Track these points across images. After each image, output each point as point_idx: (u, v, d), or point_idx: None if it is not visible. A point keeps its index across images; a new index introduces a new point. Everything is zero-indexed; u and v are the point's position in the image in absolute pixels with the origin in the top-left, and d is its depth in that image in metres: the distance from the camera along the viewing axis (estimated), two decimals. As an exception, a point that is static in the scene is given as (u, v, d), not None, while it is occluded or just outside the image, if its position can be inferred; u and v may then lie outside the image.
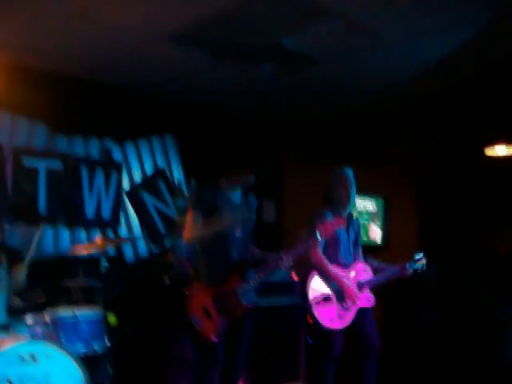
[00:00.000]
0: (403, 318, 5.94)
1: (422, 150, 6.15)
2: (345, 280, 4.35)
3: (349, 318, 4.34)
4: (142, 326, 4.69)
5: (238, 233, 3.77)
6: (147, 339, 4.91)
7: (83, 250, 4.59)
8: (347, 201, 4.50)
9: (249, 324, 3.79)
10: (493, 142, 5.45)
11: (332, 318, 4.29)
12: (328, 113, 6.71)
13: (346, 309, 4.34)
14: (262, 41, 4.79)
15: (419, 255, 4.67)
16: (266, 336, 4.88)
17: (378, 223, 6.69)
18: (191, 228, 3.70)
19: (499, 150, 5.48)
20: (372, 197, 6.70)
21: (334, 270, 4.34)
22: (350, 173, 4.55)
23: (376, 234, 6.69)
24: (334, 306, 4.32)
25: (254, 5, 4.13)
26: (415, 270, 4.63)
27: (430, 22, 4.41)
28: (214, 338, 3.54)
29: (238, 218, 3.75)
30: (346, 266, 4.47)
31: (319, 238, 3.84)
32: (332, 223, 3.89)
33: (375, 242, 6.62)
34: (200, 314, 3.57)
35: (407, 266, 4.58)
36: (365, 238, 6.33)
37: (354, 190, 4.52)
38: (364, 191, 6.61)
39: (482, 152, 5.53)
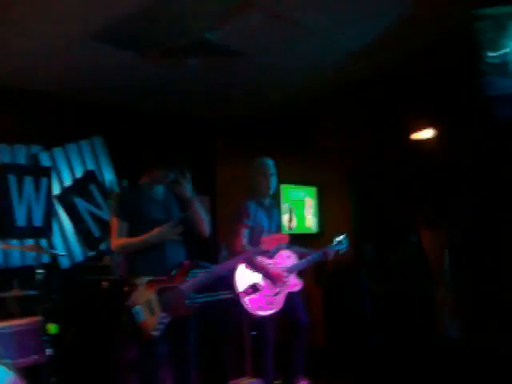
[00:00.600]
0: (342, 305, 6.08)
1: (351, 138, 6.29)
2: (270, 265, 4.44)
3: (279, 302, 4.42)
4: (83, 331, 4.61)
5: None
6: (90, 345, 4.84)
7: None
8: (267, 190, 4.64)
9: (194, 326, 3.73)
10: (417, 127, 5.64)
11: (261, 306, 4.36)
12: (257, 105, 6.75)
13: (276, 294, 4.42)
14: (186, 36, 4.78)
15: (339, 237, 4.81)
16: (210, 333, 4.89)
17: (312, 212, 6.82)
18: (117, 236, 3.64)
19: (423, 134, 5.67)
20: (305, 186, 6.82)
21: (259, 257, 4.41)
22: (269, 162, 4.67)
23: (311, 222, 6.83)
24: (262, 293, 4.39)
25: (178, 1, 4.13)
26: (337, 252, 4.76)
27: (352, 11, 4.51)
28: (154, 333, 3.47)
29: (165, 217, 3.70)
30: (270, 253, 4.56)
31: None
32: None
33: (311, 230, 6.75)
34: (143, 307, 3.51)
35: (328, 249, 4.72)
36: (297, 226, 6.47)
37: (273, 179, 4.64)
38: (297, 181, 6.74)
39: (408, 136, 5.71)
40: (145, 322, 3.51)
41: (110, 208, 3.97)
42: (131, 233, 3.63)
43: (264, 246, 3.98)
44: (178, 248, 3.76)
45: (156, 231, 3.59)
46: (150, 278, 3.56)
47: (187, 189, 3.74)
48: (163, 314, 3.51)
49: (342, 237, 4.81)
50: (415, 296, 5.49)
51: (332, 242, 4.78)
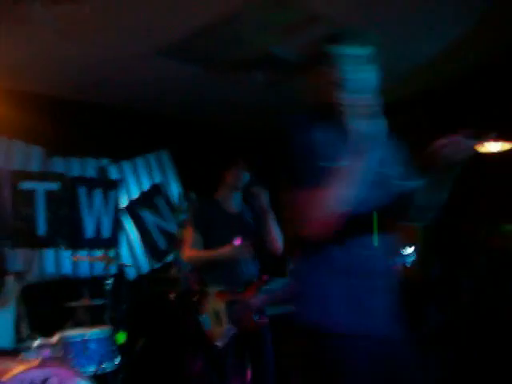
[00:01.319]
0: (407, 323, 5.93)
1: (414, 149, 6.17)
2: None
3: None
4: (152, 342, 4.66)
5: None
6: (158, 355, 4.90)
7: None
8: None
9: (267, 342, 3.66)
10: (484, 139, 5.47)
11: None
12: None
13: None
14: (252, 50, 4.82)
15: (407, 249, 4.68)
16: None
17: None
18: (191, 247, 3.66)
19: (492, 147, 5.51)
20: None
21: None
22: None
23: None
24: None
25: (244, 16, 4.17)
26: (403, 264, 4.65)
27: (417, 25, 4.47)
28: (219, 344, 3.46)
29: (239, 232, 3.64)
30: None
31: None
32: None
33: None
34: (210, 316, 3.52)
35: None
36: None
37: None
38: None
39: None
40: (211, 331, 3.50)
41: (185, 219, 3.99)
42: (205, 245, 3.65)
43: None
44: (251, 263, 3.74)
45: (228, 249, 3.57)
46: (221, 288, 3.57)
47: (264, 200, 3.68)
48: (229, 326, 3.50)
49: (410, 249, 4.68)
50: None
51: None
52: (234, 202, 3.79)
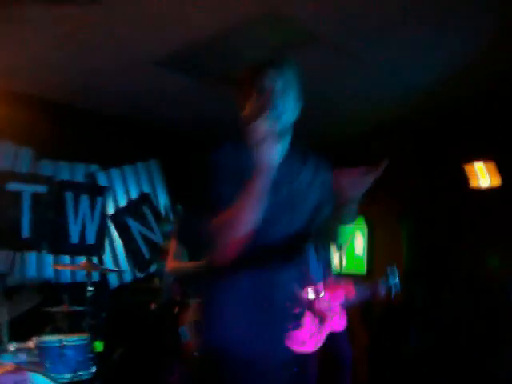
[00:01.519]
0: (389, 345, 5.93)
1: (405, 176, 6.19)
2: (315, 301, 4.36)
3: (321, 339, 4.33)
4: (129, 352, 4.62)
5: None
6: (135, 366, 4.85)
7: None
8: None
9: None
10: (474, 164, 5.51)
11: (303, 341, 4.27)
12: (309, 137, 6.73)
13: (319, 330, 4.33)
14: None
15: (392, 276, 4.68)
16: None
17: (362, 251, 6.73)
18: (174, 258, 3.67)
19: (481, 179, 5.53)
20: (356, 223, 6.73)
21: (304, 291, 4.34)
22: None
23: (359, 261, 6.73)
24: (305, 328, 4.31)
25: (242, 32, 4.19)
26: (389, 289, 4.64)
27: (414, 48, 4.51)
28: (196, 354, 3.46)
29: None
30: (315, 284, 4.49)
31: None
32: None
33: (359, 270, 6.64)
34: (190, 328, 3.52)
35: (379, 286, 4.60)
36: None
37: None
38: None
39: (465, 177, 5.58)
40: (189, 342, 3.49)
41: (171, 230, 4.00)
42: (190, 258, 3.65)
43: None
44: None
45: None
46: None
47: None
48: None
49: (395, 275, 4.69)
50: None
51: (382, 280, 4.67)
52: None
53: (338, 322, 4.47)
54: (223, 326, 1.93)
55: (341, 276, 4.82)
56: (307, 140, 6.38)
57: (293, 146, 2.17)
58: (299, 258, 2.08)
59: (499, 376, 5.03)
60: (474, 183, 5.51)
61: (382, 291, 4.60)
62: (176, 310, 3.61)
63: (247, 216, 1.79)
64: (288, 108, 2.03)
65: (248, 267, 1.92)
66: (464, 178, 5.55)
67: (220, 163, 1.99)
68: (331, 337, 4.39)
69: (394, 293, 4.64)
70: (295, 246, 2.04)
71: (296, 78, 2.10)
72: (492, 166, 5.39)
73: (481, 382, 5.10)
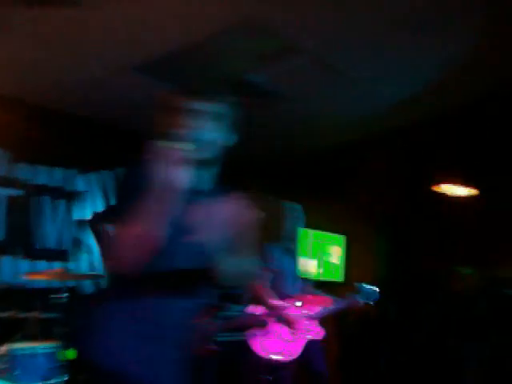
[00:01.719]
0: (360, 359, 5.96)
1: (384, 190, 6.23)
2: (282, 305, 4.35)
3: (296, 349, 4.33)
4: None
5: None
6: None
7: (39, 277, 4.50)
8: (293, 235, 4.58)
9: (211, 366, 3.68)
10: (449, 180, 5.57)
11: (276, 350, 4.27)
12: (289, 149, 6.77)
13: (292, 340, 4.33)
14: (227, 76, 4.83)
15: (370, 288, 4.69)
16: (228, 374, 4.82)
17: (339, 260, 6.77)
18: None
19: (455, 194, 5.59)
20: (334, 234, 6.77)
21: (274, 300, 4.34)
22: (296, 207, 4.62)
23: (336, 270, 6.76)
24: (277, 337, 4.30)
25: (221, 41, 4.20)
26: (366, 301, 4.65)
27: (395, 64, 4.55)
28: None
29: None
30: (291, 297, 4.49)
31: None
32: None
33: (335, 278, 6.67)
34: None
35: (357, 298, 4.61)
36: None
37: (299, 224, 4.60)
38: (326, 228, 6.68)
39: (439, 192, 5.64)
40: None
41: None
42: None
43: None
44: (206, 289, 3.73)
45: None
46: None
47: None
48: None
49: (373, 287, 4.69)
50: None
51: (359, 291, 4.68)
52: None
53: (314, 333, 4.47)
54: (109, 342, 1.94)
55: (318, 284, 4.83)
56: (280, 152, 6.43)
57: (218, 183, 2.17)
58: (194, 291, 2.08)
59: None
60: (447, 197, 5.59)
61: (360, 304, 4.61)
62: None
63: (149, 232, 1.80)
64: (213, 139, 2.02)
65: (140, 290, 1.94)
66: (439, 194, 5.62)
67: (131, 179, 2.01)
68: (307, 347, 4.39)
69: (372, 301, 4.65)
70: (191, 280, 2.05)
71: (231, 112, 2.11)
72: (467, 185, 5.47)
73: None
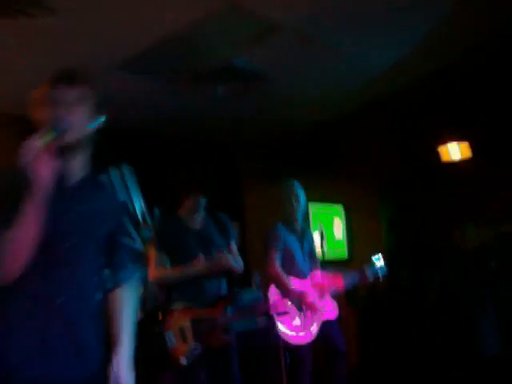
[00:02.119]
0: (378, 327, 5.95)
1: (379, 154, 6.21)
2: (303, 291, 4.34)
3: (313, 330, 4.33)
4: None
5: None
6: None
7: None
8: (295, 213, 4.55)
9: (233, 360, 3.66)
10: (446, 142, 5.55)
11: (295, 333, 4.26)
12: (283, 126, 6.73)
13: (309, 321, 4.32)
14: (213, 62, 4.78)
15: (376, 258, 4.69)
16: (249, 361, 4.81)
17: (341, 233, 6.72)
18: (156, 267, 3.67)
19: (453, 154, 5.57)
20: (332, 204, 6.70)
21: (292, 282, 4.33)
22: (294, 184, 4.59)
23: (340, 245, 6.72)
24: (297, 319, 4.29)
25: (204, 28, 4.13)
26: (375, 274, 4.65)
27: (376, 30, 4.50)
28: (183, 362, 3.44)
29: (205, 248, 3.71)
30: (303, 277, 4.48)
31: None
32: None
33: (340, 254, 6.62)
34: (175, 334, 3.50)
35: (366, 270, 4.60)
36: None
37: (300, 201, 4.56)
38: (324, 199, 6.62)
39: (438, 155, 5.62)
40: (175, 349, 3.47)
41: (149, 238, 3.96)
42: (171, 264, 3.60)
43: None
44: (218, 280, 3.72)
45: (194, 266, 3.59)
46: (187, 305, 3.55)
47: (228, 262, 3.77)
48: (195, 343, 3.46)
49: (378, 257, 4.69)
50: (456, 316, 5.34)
51: (368, 265, 4.67)
52: (197, 219, 3.81)
53: (329, 312, 4.46)
54: (5, 342, 1.87)
55: (324, 263, 4.82)
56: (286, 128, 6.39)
57: (93, 169, 2.17)
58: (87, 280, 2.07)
59: (484, 351, 5.10)
60: (445, 158, 5.56)
61: (370, 276, 4.60)
62: (160, 316, 3.57)
63: (24, 233, 1.78)
64: (77, 122, 1.97)
65: (31, 282, 1.88)
66: (437, 155, 5.60)
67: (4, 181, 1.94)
68: (324, 327, 4.39)
69: (381, 276, 4.65)
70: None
71: (92, 93, 2.09)
72: (464, 143, 5.45)
73: (468, 358, 5.17)
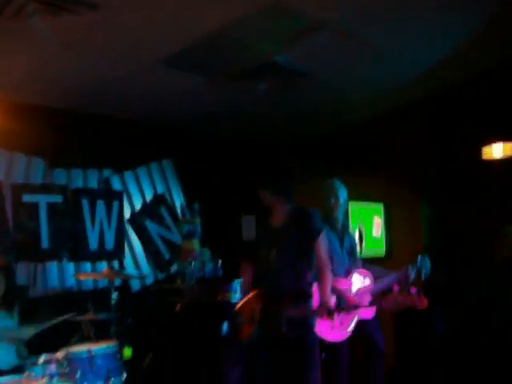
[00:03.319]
0: (414, 330, 5.89)
1: (422, 157, 6.14)
2: (346, 290, 4.34)
3: (350, 327, 4.30)
4: (159, 356, 4.59)
5: (279, 259, 3.76)
6: (165, 370, 4.85)
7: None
8: (336, 212, 4.55)
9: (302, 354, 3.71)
10: (489, 142, 5.46)
11: (331, 330, 4.25)
12: (322, 124, 6.71)
13: (345, 319, 4.31)
14: (255, 59, 4.80)
15: (422, 258, 4.60)
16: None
17: (380, 232, 6.67)
18: None
19: (495, 153, 5.48)
20: (372, 202, 6.66)
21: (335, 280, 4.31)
22: (336, 184, 4.58)
23: (378, 243, 6.67)
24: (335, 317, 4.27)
25: (246, 25, 4.15)
26: (418, 274, 4.57)
27: (420, 31, 4.46)
28: (245, 340, 3.65)
29: (275, 244, 3.77)
30: (342, 274, 4.46)
31: None
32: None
33: (378, 253, 6.57)
34: (246, 314, 3.68)
35: (409, 269, 4.53)
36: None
37: (341, 200, 4.56)
38: (365, 198, 6.58)
39: (479, 154, 5.54)
40: (242, 328, 3.68)
41: (188, 229, 4.13)
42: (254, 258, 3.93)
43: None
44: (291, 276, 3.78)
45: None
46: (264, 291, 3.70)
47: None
48: (258, 328, 3.61)
49: (424, 258, 4.59)
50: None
51: (411, 264, 4.59)
52: (277, 217, 3.86)
53: (367, 310, 4.44)
54: None
55: (362, 261, 4.79)
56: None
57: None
58: None
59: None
60: (488, 157, 5.48)
61: (412, 275, 4.53)
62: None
63: None
64: None
65: None
66: (479, 155, 5.52)
67: None
68: (362, 325, 4.37)
69: (424, 276, 4.56)
70: None
71: None
72: (509, 143, 5.36)
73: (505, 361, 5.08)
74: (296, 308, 3.63)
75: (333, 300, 4.26)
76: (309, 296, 3.73)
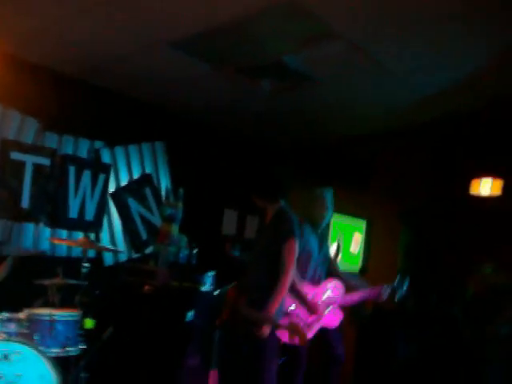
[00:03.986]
0: (376, 346, 5.94)
1: (409, 179, 6.19)
2: (310, 295, 4.36)
3: (311, 333, 4.34)
4: (119, 332, 4.59)
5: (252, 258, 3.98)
6: (124, 346, 4.85)
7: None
8: (321, 220, 4.63)
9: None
10: (479, 176, 5.52)
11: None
12: (317, 133, 6.74)
13: (309, 324, 4.33)
14: (263, 56, 4.81)
15: (400, 279, 4.64)
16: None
17: (359, 247, 6.73)
18: None
19: (483, 189, 5.53)
20: (355, 218, 6.72)
21: (299, 285, 4.33)
22: (328, 194, 4.64)
23: (355, 257, 6.72)
24: (297, 320, 4.29)
25: (258, 21, 4.16)
26: (393, 295, 4.61)
27: (432, 58, 4.51)
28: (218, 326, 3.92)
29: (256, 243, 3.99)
30: (315, 282, 4.49)
31: None
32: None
33: (353, 266, 6.63)
34: (229, 302, 3.91)
35: (383, 288, 4.58)
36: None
37: (329, 210, 4.64)
38: (348, 212, 6.62)
39: (466, 187, 5.59)
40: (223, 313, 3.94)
41: (168, 216, 4.24)
42: None
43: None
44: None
45: None
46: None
47: None
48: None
49: (402, 281, 4.62)
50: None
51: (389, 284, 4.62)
52: (267, 217, 3.93)
53: (332, 319, 4.48)
54: None
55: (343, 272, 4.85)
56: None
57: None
58: None
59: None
60: (474, 190, 5.53)
61: (385, 295, 4.57)
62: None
63: None
64: None
65: None
66: (467, 189, 5.57)
67: None
68: (324, 333, 4.40)
69: (398, 298, 4.60)
70: None
71: None
72: (498, 181, 5.42)
73: None
74: (250, 307, 3.65)
75: (294, 304, 4.30)
76: (265, 298, 3.64)
